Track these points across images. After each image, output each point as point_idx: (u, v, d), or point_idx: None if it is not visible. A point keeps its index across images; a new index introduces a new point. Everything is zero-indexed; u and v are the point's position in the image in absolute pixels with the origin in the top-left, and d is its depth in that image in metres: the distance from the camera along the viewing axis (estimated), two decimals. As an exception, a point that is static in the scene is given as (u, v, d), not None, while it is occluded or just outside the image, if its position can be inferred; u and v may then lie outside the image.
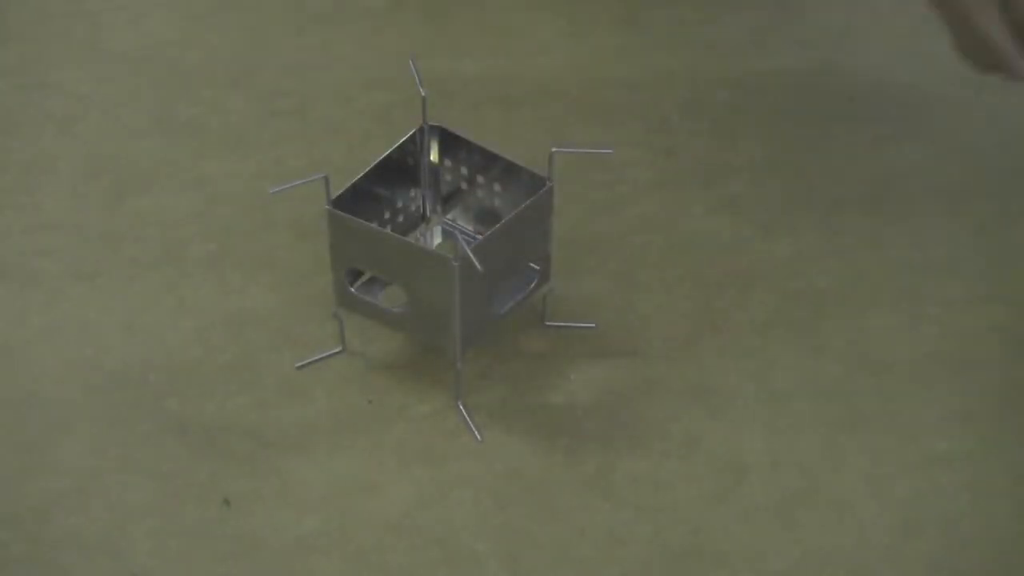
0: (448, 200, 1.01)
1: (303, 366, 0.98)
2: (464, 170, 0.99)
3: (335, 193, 0.93)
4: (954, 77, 1.18)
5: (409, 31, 1.21)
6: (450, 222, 1.02)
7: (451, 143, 0.98)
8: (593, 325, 1.01)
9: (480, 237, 0.96)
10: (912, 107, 1.16)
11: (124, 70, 1.19)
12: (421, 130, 0.98)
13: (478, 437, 0.95)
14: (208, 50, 1.20)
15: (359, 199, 0.95)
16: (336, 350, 0.99)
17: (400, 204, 0.99)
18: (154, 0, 1.23)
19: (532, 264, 0.97)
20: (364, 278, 0.98)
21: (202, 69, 1.19)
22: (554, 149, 0.93)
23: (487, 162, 0.97)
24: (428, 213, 1.01)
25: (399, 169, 0.98)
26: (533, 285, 0.97)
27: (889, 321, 1.02)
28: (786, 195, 1.10)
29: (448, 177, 1.00)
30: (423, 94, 0.97)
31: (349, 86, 1.17)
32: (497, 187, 0.98)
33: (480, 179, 0.98)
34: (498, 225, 0.92)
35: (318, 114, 1.15)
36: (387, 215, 0.99)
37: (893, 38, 1.22)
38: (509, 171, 0.96)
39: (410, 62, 0.98)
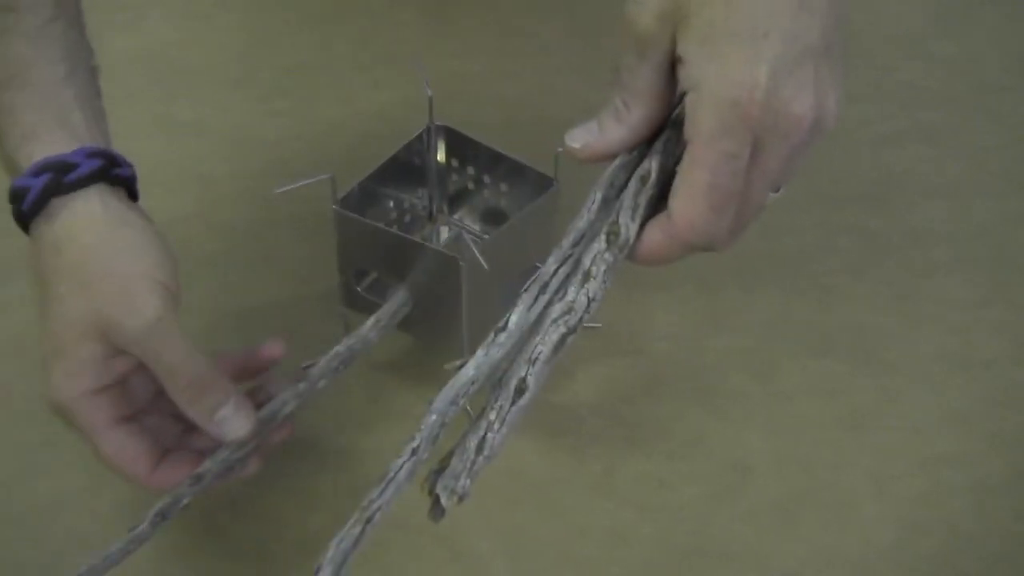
0: (455, 200, 1.01)
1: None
2: (471, 170, 0.99)
3: (341, 193, 0.93)
4: (956, 77, 1.18)
5: (409, 30, 1.21)
6: (457, 222, 1.02)
7: (458, 143, 0.98)
8: (597, 325, 1.01)
9: (487, 237, 0.96)
10: (913, 107, 1.16)
11: (124, 70, 1.18)
12: (428, 129, 0.98)
13: (482, 436, 0.95)
14: (208, 50, 1.20)
15: (365, 199, 0.95)
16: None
17: (407, 204, 0.99)
18: (154, 0, 1.23)
19: (538, 264, 0.97)
20: (369, 279, 0.98)
21: (202, 69, 1.18)
22: (560, 149, 0.93)
23: (494, 162, 0.97)
24: (435, 213, 1.01)
25: (406, 169, 0.98)
26: (538, 285, 0.97)
27: (891, 321, 1.02)
28: (786, 195, 1.10)
29: (455, 177, 1.00)
30: (429, 94, 0.97)
31: (349, 86, 1.17)
32: (504, 187, 0.98)
33: (487, 179, 0.98)
34: (505, 225, 0.92)
35: (318, 114, 1.15)
36: (394, 215, 0.99)
37: (895, 37, 1.22)
38: (516, 171, 0.96)
39: (416, 63, 0.98)
